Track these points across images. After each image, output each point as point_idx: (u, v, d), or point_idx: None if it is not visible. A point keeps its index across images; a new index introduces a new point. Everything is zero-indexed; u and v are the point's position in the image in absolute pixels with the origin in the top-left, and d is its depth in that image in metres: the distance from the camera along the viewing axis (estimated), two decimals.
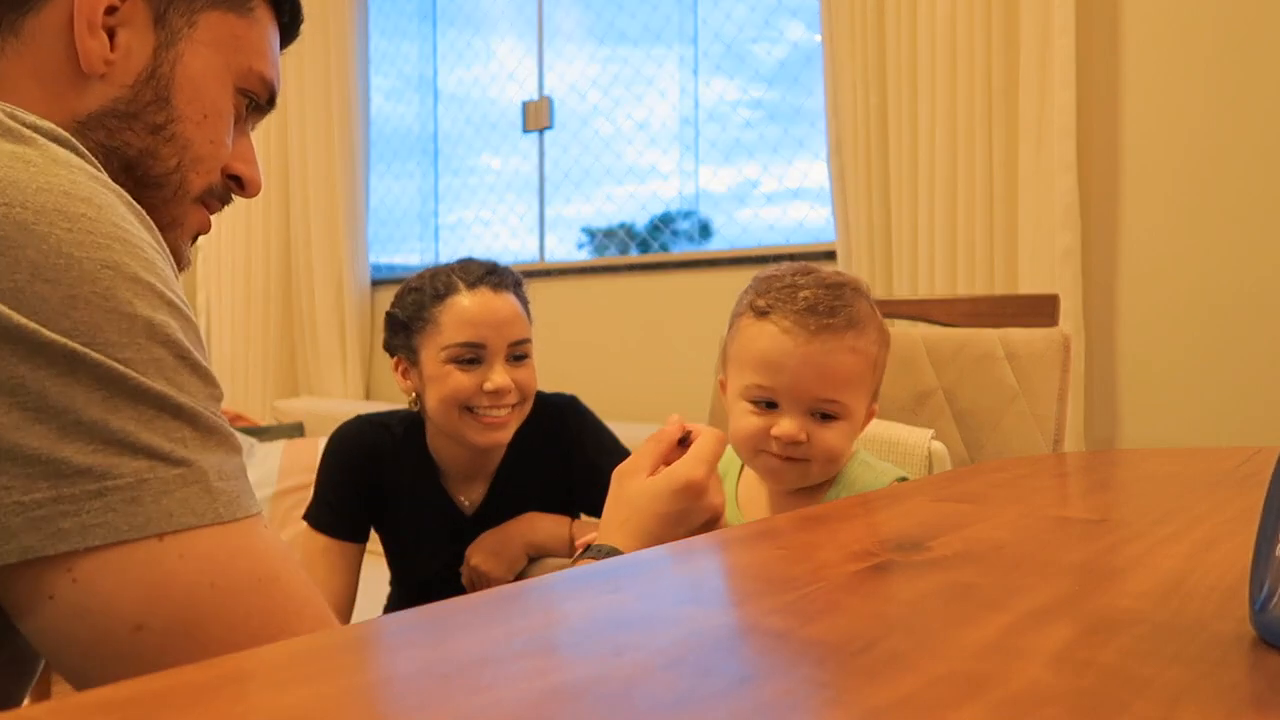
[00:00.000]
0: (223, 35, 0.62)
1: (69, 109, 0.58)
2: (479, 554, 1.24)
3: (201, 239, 2.54)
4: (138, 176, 0.60)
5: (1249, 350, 1.55)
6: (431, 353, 1.18)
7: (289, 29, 0.70)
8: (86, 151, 0.48)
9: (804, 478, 0.90)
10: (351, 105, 3.00)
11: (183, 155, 0.61)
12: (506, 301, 1.20)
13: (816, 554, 0.48)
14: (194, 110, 0.61)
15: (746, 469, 0.98)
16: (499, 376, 1.17)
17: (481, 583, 1.23)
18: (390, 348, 1.25)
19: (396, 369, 1.24)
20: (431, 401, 1.20)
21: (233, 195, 0.68)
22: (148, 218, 0.49)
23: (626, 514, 0.74)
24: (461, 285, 1.18)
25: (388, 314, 1.24)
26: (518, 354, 1.20)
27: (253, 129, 0.70)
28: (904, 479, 0.93)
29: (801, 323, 0.85)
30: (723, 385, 0.94)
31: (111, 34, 0.58)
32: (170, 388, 0.45)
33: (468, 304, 1.17)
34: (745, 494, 0.98)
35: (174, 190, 0.62)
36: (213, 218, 0.68)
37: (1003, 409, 1.25)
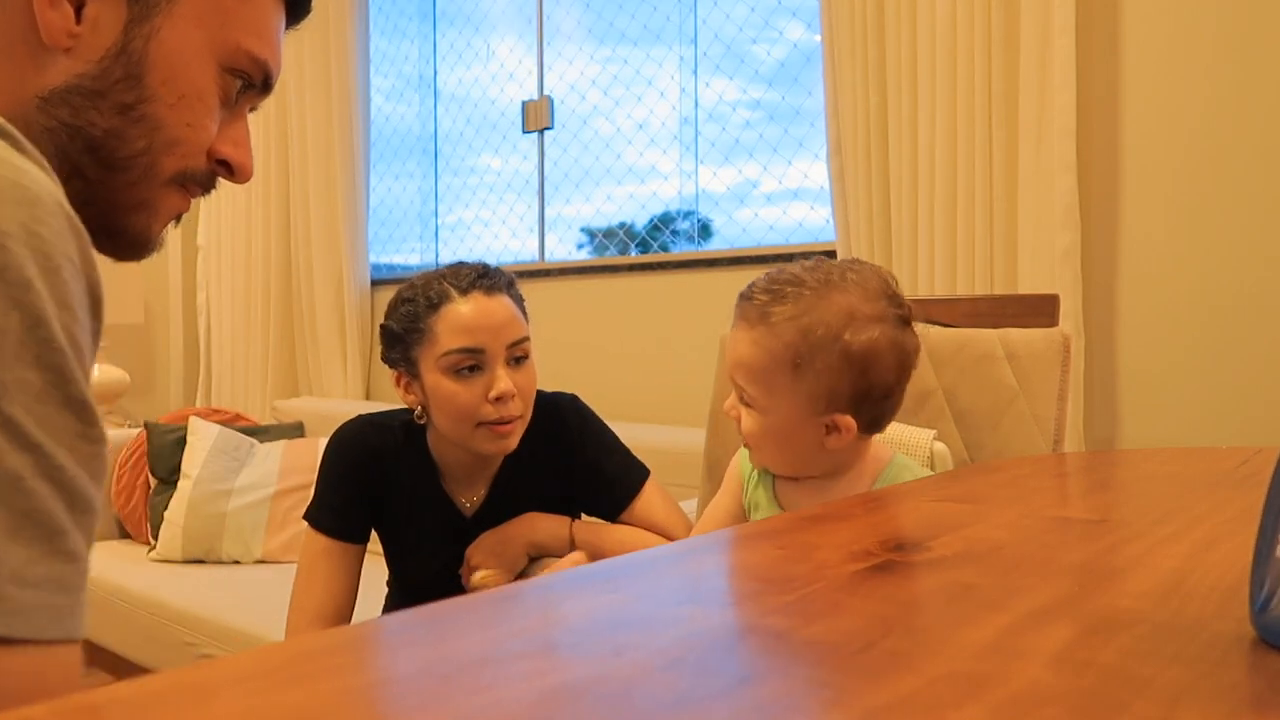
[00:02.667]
0: (207, 10, 0.58)
1: (31, 83, 0.54)
2: (480, 554, 1.24)
3: (202, 239, 2.55)
4: (102, 158, 0.56)
5: (1249, 350, 1.55)
6: (430, 364, 1.16)
7: (297, 6, 0.65)
8: (21, 138, 0.44)
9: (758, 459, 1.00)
10: (351, 105, 3.00)
11: (153, 138, 0.57)
12: (501, 303, 1.19)
13: (816, 554, 0.48)
14: (169, 91, 0.57)
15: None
16: (502, 382, 1.16)
17: (482, 583, 1.23)
18: (389, 361, 1.23)
19: (398, 384, 1.23)
20: (439, 417, 1.19)
21: (218, 180, 0.63)
22: (80, 226, 0.45)
23: None
24: (454, 292, 1.16)
25: (382, 327, 1.22)
26: (517, 355, 1.19)
27: (253, 110, 0.65)
28: None
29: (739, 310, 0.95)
30: None
31: (80, 6, 0.54)
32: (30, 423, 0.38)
33: (462, 310, 1.15)
34: (784, 494, 1.03)
35: (141, 173, 0.58)
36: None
37: (1003, 409, 1.25)
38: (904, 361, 0.91)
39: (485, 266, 1.21)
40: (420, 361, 1.17)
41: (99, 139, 0.56)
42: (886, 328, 0.89)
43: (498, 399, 1.15)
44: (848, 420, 0.90)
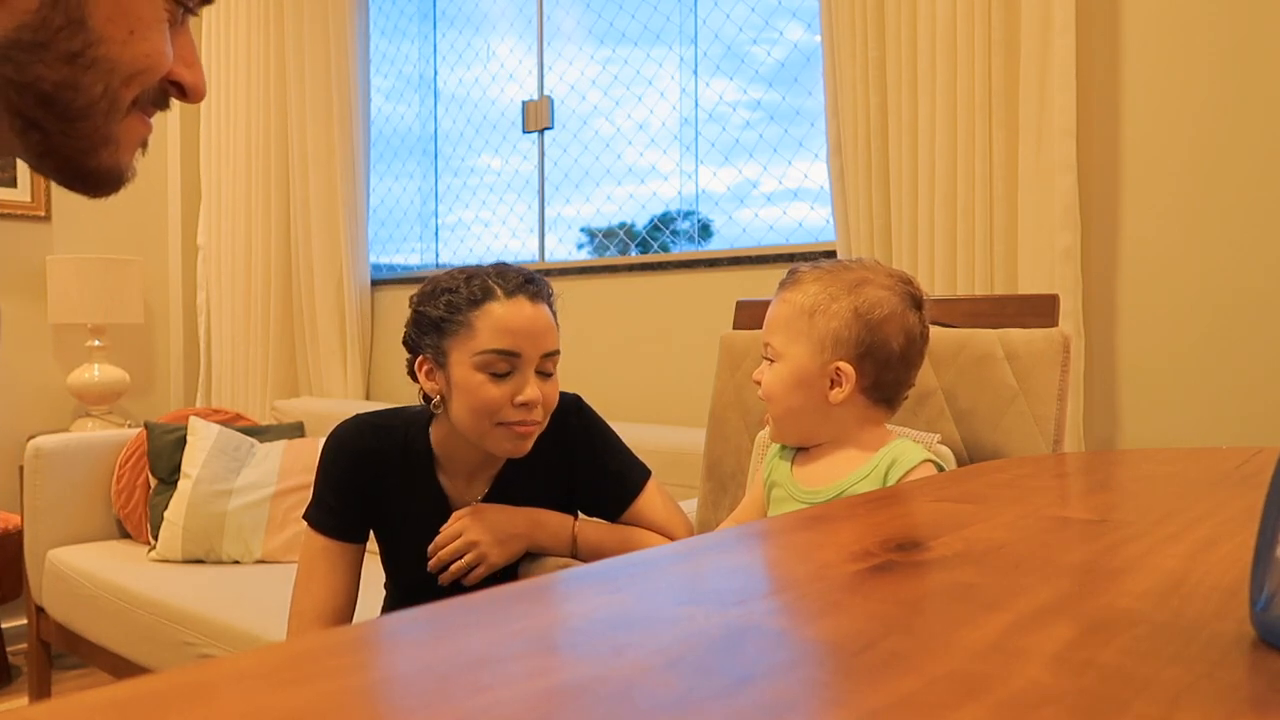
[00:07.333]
0: None
1: None
2: (483, 534, 1.22)
3: (202, 239, 2.56)
4: (59, 111, 0.54)
5: (1249, 350, 1.55)
6: (462, 357, 1.16)
7: None
8: None
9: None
10: (351, 105, 3.00)
11: (109, 80, 0.54)
12: (542, 312, 1.19)
13: (816, 554, 0.48)
14: (117, 29, 0.54)
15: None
16: (531, 389, 1.16)
17: (477, 561, 1.22)
18: (416, 346, 1.22)
19: (419, 368, 1.22)
20: (459, 409, 1.18)
21: (171, 101, 0.61)
22: None
23: None
24: (499, 292, 1.16)
25: (417, 311, 1.21)
26: (547, 369, 1.20)
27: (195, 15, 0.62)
28: (936, 464, 1.05)
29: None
30: None
31: None
32: None
33: (505, 312, 1.15)
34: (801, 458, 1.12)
35: (103, 116, 0.55)
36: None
37: (1003, 409, 1.25)
38: (909, 333, 1.04)
39: (531, 273, 1.21)
40: (451, 352, 1.17)
41: (50, 92, 0.53)
42: (894, 298, 1.04)
43: (524, 404, 1.16)
44: (849, 369, 1.02)
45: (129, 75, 0.55)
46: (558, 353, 1.21)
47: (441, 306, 1.18)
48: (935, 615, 0.37)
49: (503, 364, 1.15)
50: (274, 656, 0.31)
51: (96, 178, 0.59)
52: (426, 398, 1.23)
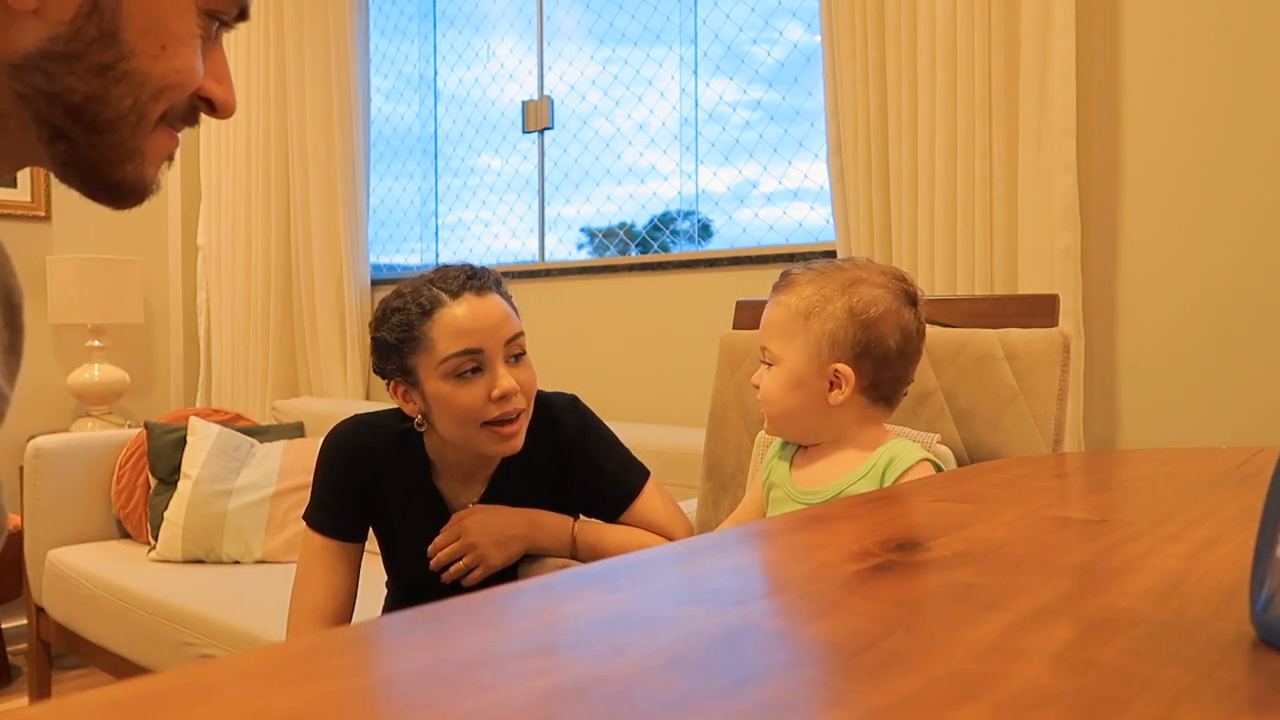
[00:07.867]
0: None
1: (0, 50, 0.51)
2: (482, 536, 1.22)
3: (202, 239, 2.55)
4: (86, 122, 0.54)
5: (1249, 350, 1.55)
6: (429, 371, 1.16)
7: None
8: None
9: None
10: (351, 105, 2.99)
11: (139, 94, 0.55)
12: (493, 302, 1.18)
13: (816, 554, 0.48)
14: (149, 43, 0.54)
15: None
16: (504, 380, 1.16)
17: (476, 563, 1.22)
18: (384, 373, 1.21)
19: (395, 393, 1.21)
20: (443, 422, 1.18)
21: (200, 116, 0.61)
22: None
23: None
24: (445, 296, 1.16)
25: (374, 339, 1.20)
26: (515, 353, 1.19)
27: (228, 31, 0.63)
28: (933, 463, 1.05)
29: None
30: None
31: None
32: None
33: (457, 313, 1.15)
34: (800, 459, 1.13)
35: (131, 129, 0.55)
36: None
37: (1003, 409, 1.25)
38: (905, 330, 1.04)
39: (472, 267, 1.20)
40: (419, 369, 1.17)
41: (80, 104, 0.53)
42: (889, 295, 1.03)
43: (501, 397, 1.16)
44: (847, 371, 1.02)
45: (159, 90, 0.56)
46: (521, 335, 1.20)
47: (395, 329, 1.17)
48: (935, 615, 0.37)
49: (469, 363, 1.15)
50: (274, 656, 0.31)
51: (121, 189, 0.59)
52: (409, 417, 1.23)
